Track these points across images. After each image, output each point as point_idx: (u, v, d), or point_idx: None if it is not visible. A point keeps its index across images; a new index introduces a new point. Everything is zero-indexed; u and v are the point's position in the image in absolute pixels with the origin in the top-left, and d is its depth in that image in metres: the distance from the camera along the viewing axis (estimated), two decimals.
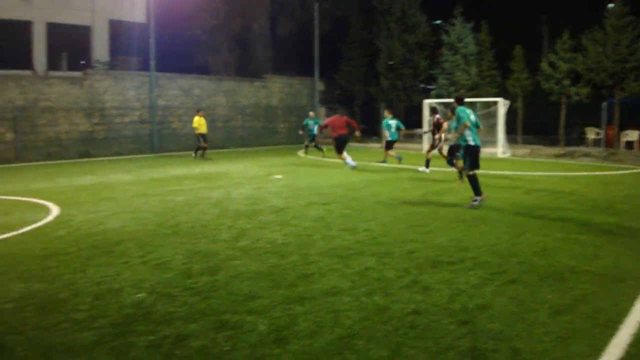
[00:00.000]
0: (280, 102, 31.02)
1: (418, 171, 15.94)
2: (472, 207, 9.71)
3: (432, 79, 29.20)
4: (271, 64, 33.85)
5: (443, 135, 15.60)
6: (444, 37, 28.04)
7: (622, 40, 23.34)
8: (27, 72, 23.70)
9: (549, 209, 9.75)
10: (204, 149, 21.08)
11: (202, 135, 20.88)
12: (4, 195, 12.02)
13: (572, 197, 11.22)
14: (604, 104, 23.95)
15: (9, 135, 21.46)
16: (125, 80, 24.75)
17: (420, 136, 25.38)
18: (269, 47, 34.50)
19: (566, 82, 24.68)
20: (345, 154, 16.62)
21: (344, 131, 16.59)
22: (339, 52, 33.07)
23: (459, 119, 10.01)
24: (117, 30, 27.66)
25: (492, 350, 4.03)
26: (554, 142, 25.71)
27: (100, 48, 27.05)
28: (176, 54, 29.98)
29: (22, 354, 4.10)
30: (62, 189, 13.13)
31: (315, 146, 21.65)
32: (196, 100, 27.07)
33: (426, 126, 22.87)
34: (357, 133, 17.14)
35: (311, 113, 23.45)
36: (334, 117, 17.00)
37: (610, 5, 24.34)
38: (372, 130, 31.49)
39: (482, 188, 9.99)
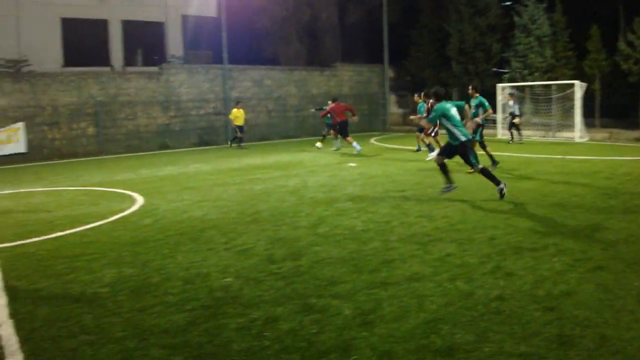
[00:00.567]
0: (351, 90, 30.96)
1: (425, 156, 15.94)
2: (444, 192, 9.55)
3: (505, 62, 28.39)
4: (340, 53, 33.84)
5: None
6: (516, 18, 27.14)
7: None
8: (106, 69, 24.71)
9: (632, 194, 9.37)
10: (241, 139, 22.36)
11: (239, 127, 22.07)
12: (91, 187, 12.72)
13: None
14: None
15: (91, 130, 22.50)
16: (199, 74, 25.42)
17: (494, 120, 24.76)
18: (338, 36, 34.49)
19: None
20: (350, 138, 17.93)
21: (344, 117, 18.06)
22: (408, 38, 32.65)
23: (432, 117, 9.69)
24: (189, 25, 28.41)
25: (580, 336, 3.99)
26: (634, 125, 24.37)
27: (173, 43, 27.85)
28: (247, 45, 30.46)
29: (120, 334, 4.34)
30: (144, 179, 13.74)
31: (324, 136, 20.59)
32: (267, 91, 27.48)
33: (500, 112, 22.22)
34: (355, 118, 18.81)
35: (329, 102, 22.07)
36: (335, 105, 18.45)
37: None
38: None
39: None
